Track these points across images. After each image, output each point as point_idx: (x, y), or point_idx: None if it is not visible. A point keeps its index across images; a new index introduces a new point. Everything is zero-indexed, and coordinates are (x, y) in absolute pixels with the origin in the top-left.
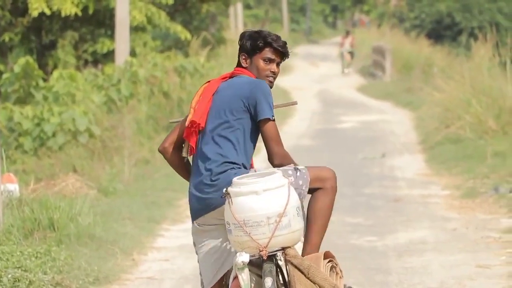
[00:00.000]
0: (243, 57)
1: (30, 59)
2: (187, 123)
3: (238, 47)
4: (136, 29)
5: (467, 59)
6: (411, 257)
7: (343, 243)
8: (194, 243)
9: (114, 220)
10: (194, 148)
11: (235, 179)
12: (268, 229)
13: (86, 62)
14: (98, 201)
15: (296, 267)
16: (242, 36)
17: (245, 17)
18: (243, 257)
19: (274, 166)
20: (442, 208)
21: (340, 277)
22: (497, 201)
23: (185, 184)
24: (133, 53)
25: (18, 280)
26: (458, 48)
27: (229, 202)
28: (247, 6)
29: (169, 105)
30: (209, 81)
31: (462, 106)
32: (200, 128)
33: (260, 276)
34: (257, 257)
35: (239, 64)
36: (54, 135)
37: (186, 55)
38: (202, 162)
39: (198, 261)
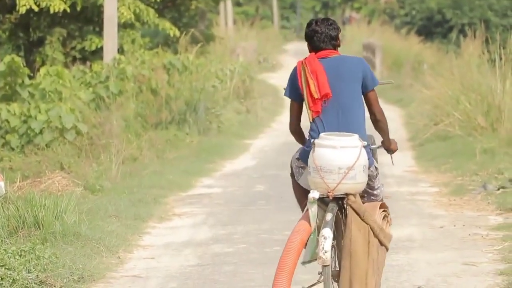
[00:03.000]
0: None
1: (15, 56)
2: (318, 96)
3: (228, 44)
4: (124, 26)
5: (457, 56)
6: (397, 255)
7: None
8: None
9: (100, 218)
10: (321, 112)
11: (322, 134)
12: (337, 177)
13: (74, 59)
14: (84, 198)
15: (354, 209)
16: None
17: (235, 14)
18: (314, 194)
19: (377, 121)
20: (430, 205)
21: (389, 225)
22: (485, 198)
23: (172, 181)
24: (121, 50)
25: (2, 278)
26: (449, 45)
27: (313, 151)
28: (237, 3)
29: (157, 103)
30: (302, 61)
31: (451, 103)
32: (330, 97)
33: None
34: (325, 196)
35: (316, 48)
36: (41, 132)
37: (176, 52)
38: (344, 123)
39: (296, 168)
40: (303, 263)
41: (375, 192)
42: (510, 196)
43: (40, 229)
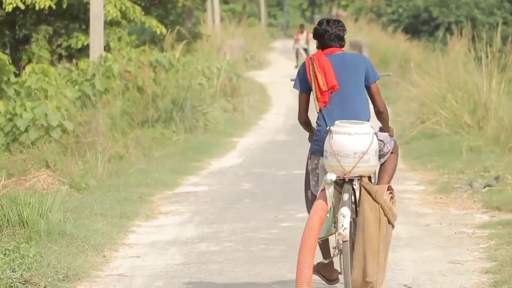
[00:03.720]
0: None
1: (1, 54)
2: (326, 88)
3: (215, 41)
4: (110, 24)
5: (444, 54)
6: None
7: None
8: (316, 164)
9: (85, 217)
10: (328, 103)
11: (337, 122)
12: (353, 161)
13: (60, 57)
14: (70, 197)
15: (367, 190)
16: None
17: (222, 12)
18: (331, 176)
19: (380, 112)
20: (416, 203)
21: (394, 205)
22: (471, 196)
23: (158, 179)
24: (108, 48)
25: None
26: (435, 43)
27: (330, 137)
28: (224, 1)
29: (144, 100)
30: (311, 57)
31: (438, 101)
32: (336, 89)
33: (340, 193)
34: (341, 178)
35: (325, 46)
36: (26, 130)
37: (162, 50)
38: (348, 112)
39: (311, 173)
40: (319, 238)
41: (385, 151)
42: (496, 194)
43: (24, 228)
